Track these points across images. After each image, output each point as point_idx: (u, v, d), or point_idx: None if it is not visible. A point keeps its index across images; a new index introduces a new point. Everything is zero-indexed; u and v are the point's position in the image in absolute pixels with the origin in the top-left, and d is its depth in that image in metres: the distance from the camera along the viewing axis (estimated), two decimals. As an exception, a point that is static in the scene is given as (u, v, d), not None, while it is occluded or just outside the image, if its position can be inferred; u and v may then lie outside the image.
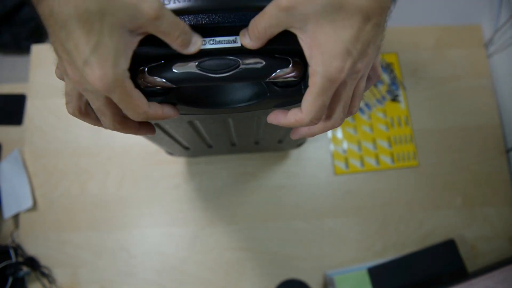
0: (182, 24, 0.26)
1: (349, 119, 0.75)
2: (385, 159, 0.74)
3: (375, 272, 0.66)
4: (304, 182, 0.72)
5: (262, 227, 0.70)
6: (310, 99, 0.27)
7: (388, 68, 0.78)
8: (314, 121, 0.28)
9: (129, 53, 0.25)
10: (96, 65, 0.23)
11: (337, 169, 0.73)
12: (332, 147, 0.74)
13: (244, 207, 0.71)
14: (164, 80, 0.28)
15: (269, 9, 0.25)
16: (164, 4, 0.27)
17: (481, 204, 0.72)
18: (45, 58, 0.78)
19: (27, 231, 0.70)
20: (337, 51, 0.25)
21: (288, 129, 0.47)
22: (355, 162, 0.74)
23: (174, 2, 0.28)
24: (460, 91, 0.78)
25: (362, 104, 0.76)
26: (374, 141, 0.75)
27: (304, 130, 0.33)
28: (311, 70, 0.26)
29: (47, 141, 0.73)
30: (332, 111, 0.30)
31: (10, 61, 1.49)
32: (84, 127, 0.74)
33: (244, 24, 0.28)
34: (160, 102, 0.30)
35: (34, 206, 0.70)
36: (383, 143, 0.75)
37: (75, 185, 0.71)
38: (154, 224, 0.70)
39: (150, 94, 0.30)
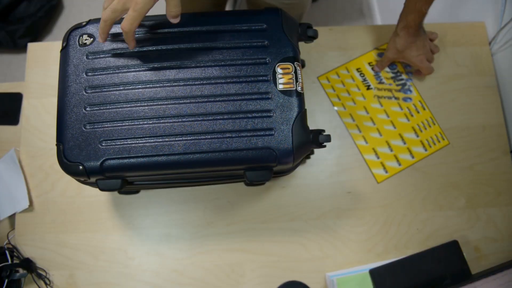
0: (180, 8, 0.47)
1: (369, 123, 0.74)
2: (418, 149, 0.73)
3: (377, 274, 0.65)
4: (304, 183, 0.71)
5: (262, 228, 0.69)
6: (423, 66, 0.73)
7: (391, 66, 0.77)
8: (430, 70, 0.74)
9: (153, 3, 0.45)
10: None
11: (378, 177, 0.72)
12: (364, 157, 0.73)
13: (244, 207, 0.70)
14: None
15: (387, 53, 0.74)
16: None
17: (485, 205, 0.71)
18: (42, 57, 0.76)
19: (23, 232, 0.69)
20: (415, 56, 0.72)
21: None
22: (391, 164, 0.72)
23: None
24: (464, 90, 0.76)
25: (377, 105, 0.75)
26: (401, 136, 0.74)
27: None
28: (415, 66, 0.74)
29: (43, 141, 0.72)
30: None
31: (6, 59, 1.47)
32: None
33: None
34: None
35: (31, 207, 0.69)
36: (410, 135, 0.74)
37: (72, 185, 0.70)
38: (152, 225, 0.69)
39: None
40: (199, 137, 0.50)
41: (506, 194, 0.72)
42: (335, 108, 0.75)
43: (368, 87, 0.76)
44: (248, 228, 0.69)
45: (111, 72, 0.52)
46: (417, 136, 0.74)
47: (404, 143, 0.73)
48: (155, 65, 0.52)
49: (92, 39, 0.53)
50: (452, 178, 0.72)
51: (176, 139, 0.50)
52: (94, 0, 1.55)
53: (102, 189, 0.51)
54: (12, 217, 0.71)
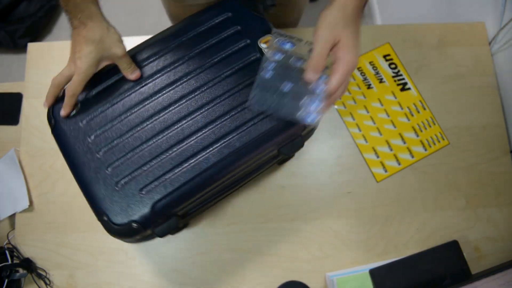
0: (133, 64, 0.52)
1: (369, 123, 0.74)
2: (418, 149, 0.73)
3: (377, 274, 0.65)
4: (304, 182, 0.71)
5: (262, 228, 0.69)
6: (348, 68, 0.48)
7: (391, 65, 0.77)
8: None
9: (96, 67, 0.51)
10: (81, 60, 0.49)
11: (378, 176, 0.72)
12: (364, 156, 0.73)
13: (244, 207, 0.70)
14: None
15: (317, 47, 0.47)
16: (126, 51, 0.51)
17: (485, 205, 0.71)
18: (42, 57, 0.76)
19: (24, 232, 0.68)
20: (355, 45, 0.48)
21: None
22: (391, 163, 0.72)
23: None
24: (464, 90, 0.76)
25: (378, 104, 0.75)
26: (401, 136, 0.74)
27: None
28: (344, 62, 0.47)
29: (43, 141, 0.72)
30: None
31: (6, 59, 1.47)
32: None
33: None
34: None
35: (31, 207, 0.69)
36: (410, 135, 0.74)
37: (72, 185, 0.69)
38: (152, 225, 0.69)
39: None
40: (227, 138, 0.50)
41: (506, 194, 0.72)
42: (336, 106, 0.75)
43: (369, 86, 0.76)
44: (248, 228, 0.69)
45: (113, 123, 0.51)
46: (417, 135, 0.74)
47: (404, 143, 0.73)
48: (151, 99, 0.52)
49: (78, 105, 0.52)
50: (452, 178, 0.72)
51: (207, 151, 0.50)
52: (94, 0, 1.55)
53: (161, 236, 0.50)
54: (12, 217, 0.71)
